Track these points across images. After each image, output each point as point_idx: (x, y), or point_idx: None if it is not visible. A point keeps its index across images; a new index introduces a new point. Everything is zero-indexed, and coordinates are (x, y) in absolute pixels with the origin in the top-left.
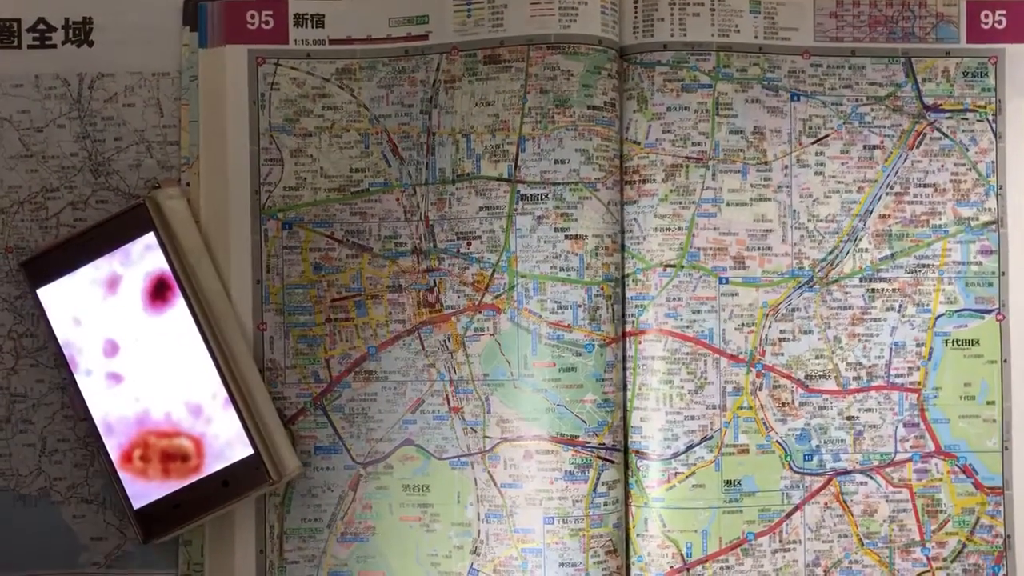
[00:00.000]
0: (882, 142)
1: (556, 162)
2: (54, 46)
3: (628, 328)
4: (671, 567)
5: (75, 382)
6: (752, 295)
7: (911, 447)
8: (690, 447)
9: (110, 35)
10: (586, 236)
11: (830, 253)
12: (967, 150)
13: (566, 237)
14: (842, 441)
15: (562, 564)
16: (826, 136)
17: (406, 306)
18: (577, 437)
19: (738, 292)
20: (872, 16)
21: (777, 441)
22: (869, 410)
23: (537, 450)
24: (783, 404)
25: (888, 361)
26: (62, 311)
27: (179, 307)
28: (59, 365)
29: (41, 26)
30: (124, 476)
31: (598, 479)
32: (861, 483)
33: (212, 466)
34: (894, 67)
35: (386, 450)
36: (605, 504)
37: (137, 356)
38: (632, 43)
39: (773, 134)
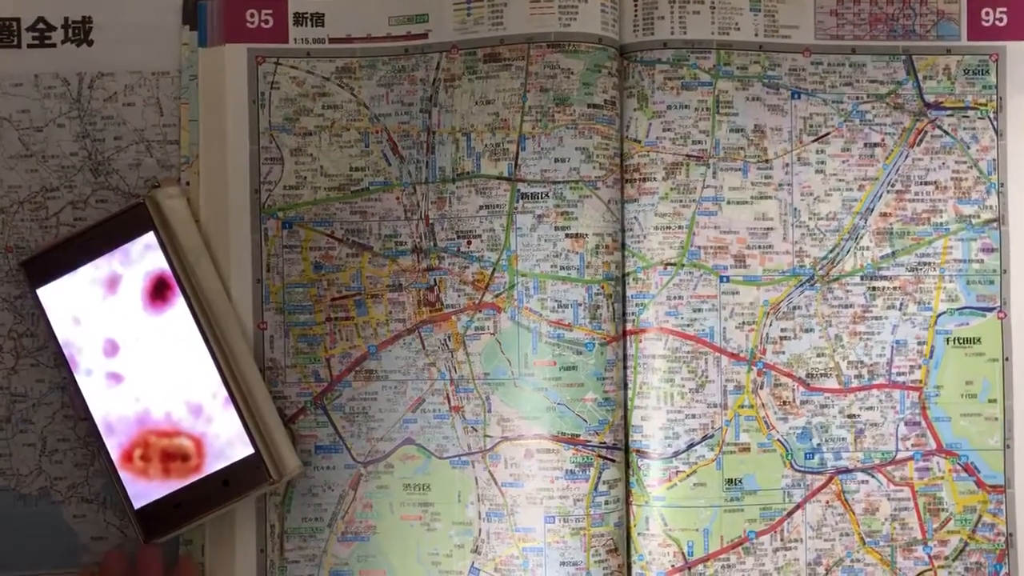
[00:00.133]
0: (883, 140)
1: (556, 160)
2: (54, 45)
3: (629, 327)
4: (672, 566)
5: (75, 382)
6: (753, 293)
7: (912, 445)
8: (691, 446)
9: (110, 34)
10: (586, 235)
11: (831, 251)
12: (968, 148)
13: (566, 236)
14: (843, 439)
15: (563, 563)
16: (827, 134)
17: (406, 305)
18: (578, 436)
19: (739, 290)
20: (873, 14)
21: (778, 440)
22: (870, 408)
23: (538, 449)
24: (784, 402)
25: (889, 359)
26: (62, 311)
27: (179, 306)
28: (59, 365)
29: (41, 25)
30: (124, 476)
31: (599, 478)
32: (862, 482)
33: (212, 465)
34: (895, 65)
35: (387, 449)
36: (606, 503)
37: (137, 356)
38: (632, 41)
39: (774, 132)
